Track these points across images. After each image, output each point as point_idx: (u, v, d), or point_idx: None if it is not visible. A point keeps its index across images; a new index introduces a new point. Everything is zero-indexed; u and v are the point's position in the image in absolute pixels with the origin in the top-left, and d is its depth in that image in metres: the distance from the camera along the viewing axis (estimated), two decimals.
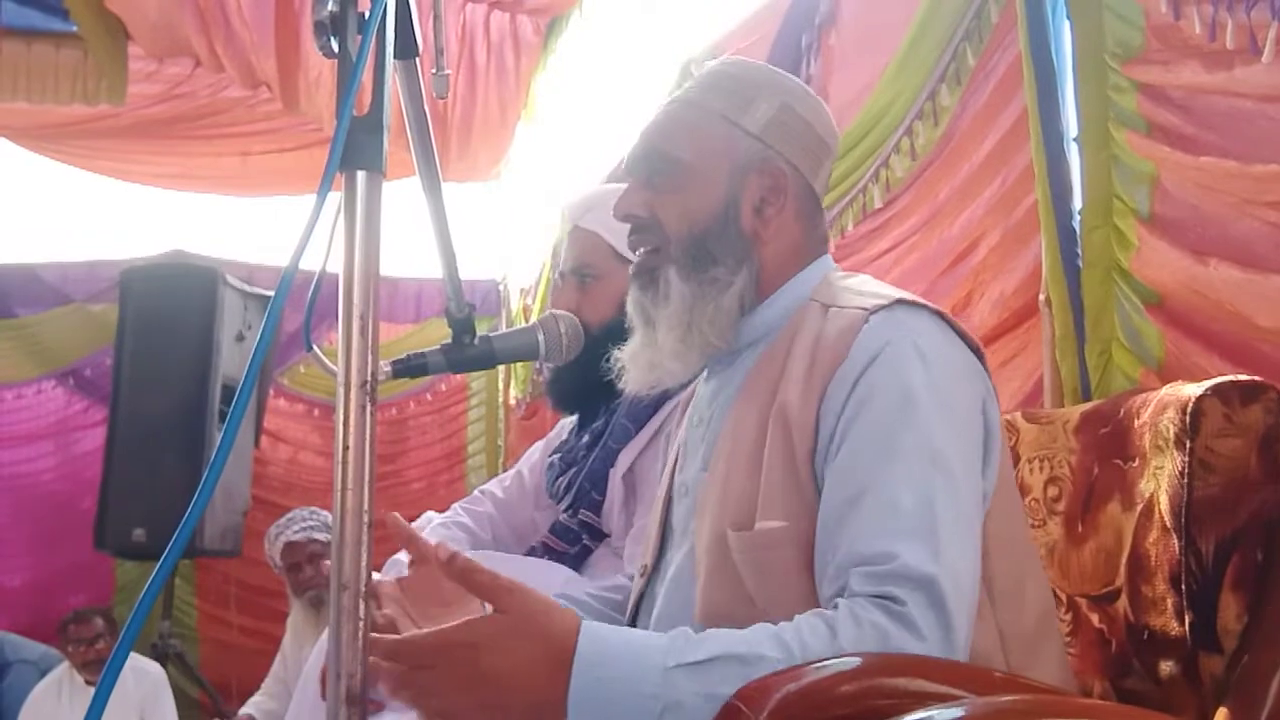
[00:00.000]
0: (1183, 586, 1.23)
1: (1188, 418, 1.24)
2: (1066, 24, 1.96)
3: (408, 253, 5.78)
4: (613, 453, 1.87)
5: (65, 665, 4.42)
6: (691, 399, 1.52)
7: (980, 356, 1.25)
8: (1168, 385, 1.35)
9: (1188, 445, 1.23)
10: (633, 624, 1.37)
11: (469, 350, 1.38)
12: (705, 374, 1.42)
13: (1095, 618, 1.39)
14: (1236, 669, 1.18)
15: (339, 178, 0.96)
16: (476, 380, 6.12)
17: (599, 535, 1.87)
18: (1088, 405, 1.55)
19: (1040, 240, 1.99)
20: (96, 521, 4.65)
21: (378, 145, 0.96)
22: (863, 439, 1.12)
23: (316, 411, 6.10)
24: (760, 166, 1.30)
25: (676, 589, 1.27)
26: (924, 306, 1.23)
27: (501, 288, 6.03)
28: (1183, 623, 1.23)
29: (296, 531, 4.19)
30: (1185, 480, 1.23)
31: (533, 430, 4.86)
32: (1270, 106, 1.59)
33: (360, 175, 0.97)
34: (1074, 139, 1.95)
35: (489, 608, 1.05)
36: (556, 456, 2.02)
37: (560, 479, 1.97)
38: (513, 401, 5.60)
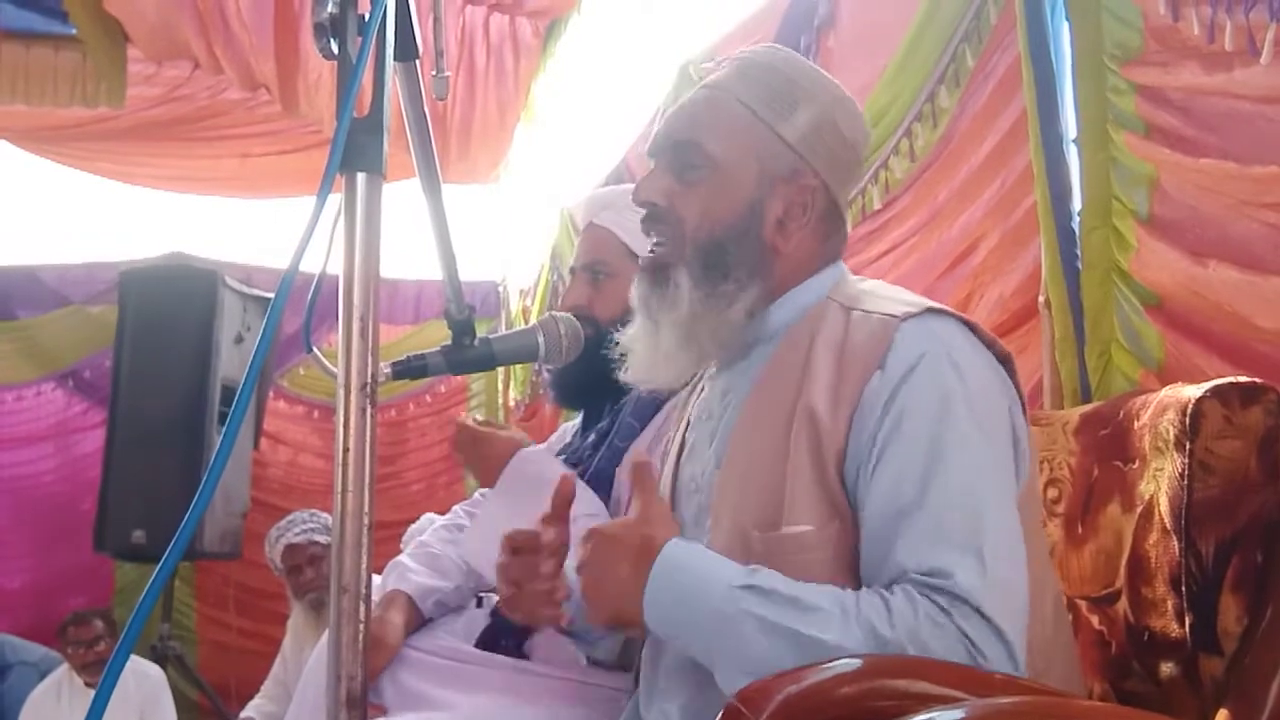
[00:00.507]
0: (1183, 588, 1.23)
1: (1187, 419, 1.24)
2: (1065, 25, 1.96)
3: (407, 254, 5.78)
4: (619, 451, 1.87)
5: (65, 667, 4.42)
6: (690, 395, 1.51)
7: (1007, 363, 1.24)
8: (1167, 387, 1.35)
9: (1187, 447, 1.23)
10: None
11: (469, 352, 1.38)
12: (713, 369, 1.41)
13: (1095, 619, 1.39)
14: (1237, 671, 1.18)
15: (339, 179, 0.96)
16: (476, 382, 6.12)
17: None
18: (1087, 407, 1.56)
19: (1039, 242, 1.99)
20: (96, 523, 4.65)
21: (378, 147, 0.96)
22: (906, 452, 1.12)
23: (316, 413, 6.09)
24: (789, 177, 1.28)
25: None
26: (953, 315, 1.23)
27: (501, 289, 6.03)
28: (1183, 624, 1.23)
29: (297, 534, 4.19)
30: (1185, 482, 1.23)
31: (532, 432, 4.85)
32: (1269, 108, 1.59)
33: (360, 177, 0.97)
34: (1073, 140, 1.95)
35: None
36: (561, 459, 2.02)
37: None
38: (512, 403, 5.60)
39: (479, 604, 1.94)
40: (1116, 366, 1.85)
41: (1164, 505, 1.26)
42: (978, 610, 1.04)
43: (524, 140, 5.17)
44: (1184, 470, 1.23)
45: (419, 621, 1.84)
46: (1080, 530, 1.42)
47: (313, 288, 1.09)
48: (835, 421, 1.17)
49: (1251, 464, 1.22)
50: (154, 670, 4.40)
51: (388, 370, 1.23)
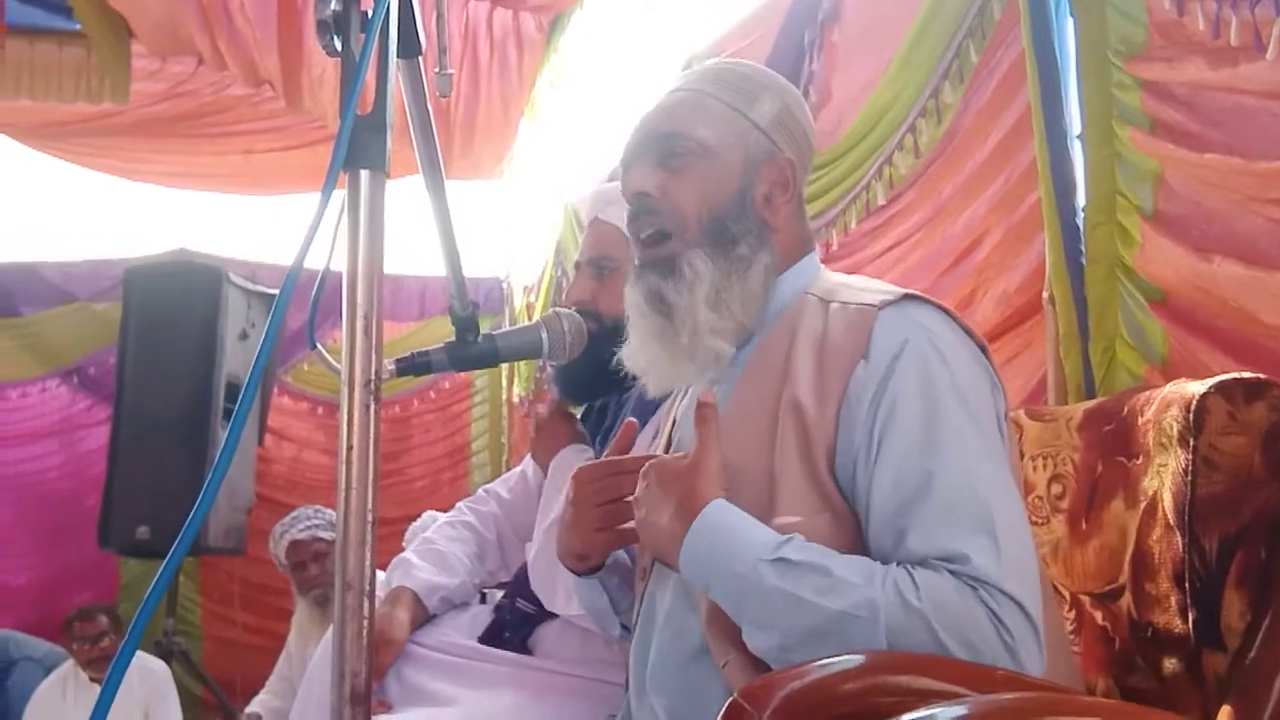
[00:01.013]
0: (1186, 584, 1.23)
1: (1191, 415, 1.24)
2: (1070, 21, 1.95)
3: (412, 250, 5.77)
4: None
5: (70, 663, 4.42)
6: (676, 395, 1.52)
7: (984, 351, 1.26)
8: (1171, 382, 1.35)
9: (1191, 443, 1.23)
10: (635, 625, 1.37)
11: (472, 348, 1.38)
12: None
13: (1099, 615, 1.39)
14: (1240, 667, 1.18)
15: (342, 176, 0.96)
16: (480, 378, 6.11)
17: None
18: (1091, 403, 1.55)
19: (1044, 237, 1.98)
20: (101, 519, 4.66)
21: (381, 145, 0.96)
22: (903, 441, 1.14)
23: (320, 409, 6.09)
24: (769, 159, 1.33)
25: (680, 585, 1.27)
26: (930, 302, 1.24)
27: (505, 285, 6.02)
28: (1186, 620, 1.23)
29: (301, 530, 4.20)
30: (1189, 478, 1.23)
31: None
32: (1274, 103, 1.58)
33: (364, 174, 0.97)
34: (1077, 136, 1.94)
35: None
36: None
37: None
38: (516, 399, 5.60)
39: (483, 600, 1.95)
40: (1120, 362, 1.84)
41: (1168, 501, 1.26)
42: (1000, 589, 1.06)
43: (528, 135, 5.16)
44: (1188, 466, 1.23)
45: (424, 618, 1.85)
46: (1084, 526, 1.42)
47: (317, 284, 1.09)
48: (822, 413, 1.18)
49: (1255, 460, 1.22)
50: (159, 666, 4.41)
51: (391, 367, 1.23)
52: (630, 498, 1.28)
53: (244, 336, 4.94)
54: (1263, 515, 1.21)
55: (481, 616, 1.87)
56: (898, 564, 1.10)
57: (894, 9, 2.53)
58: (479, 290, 5.90)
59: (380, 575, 1.87)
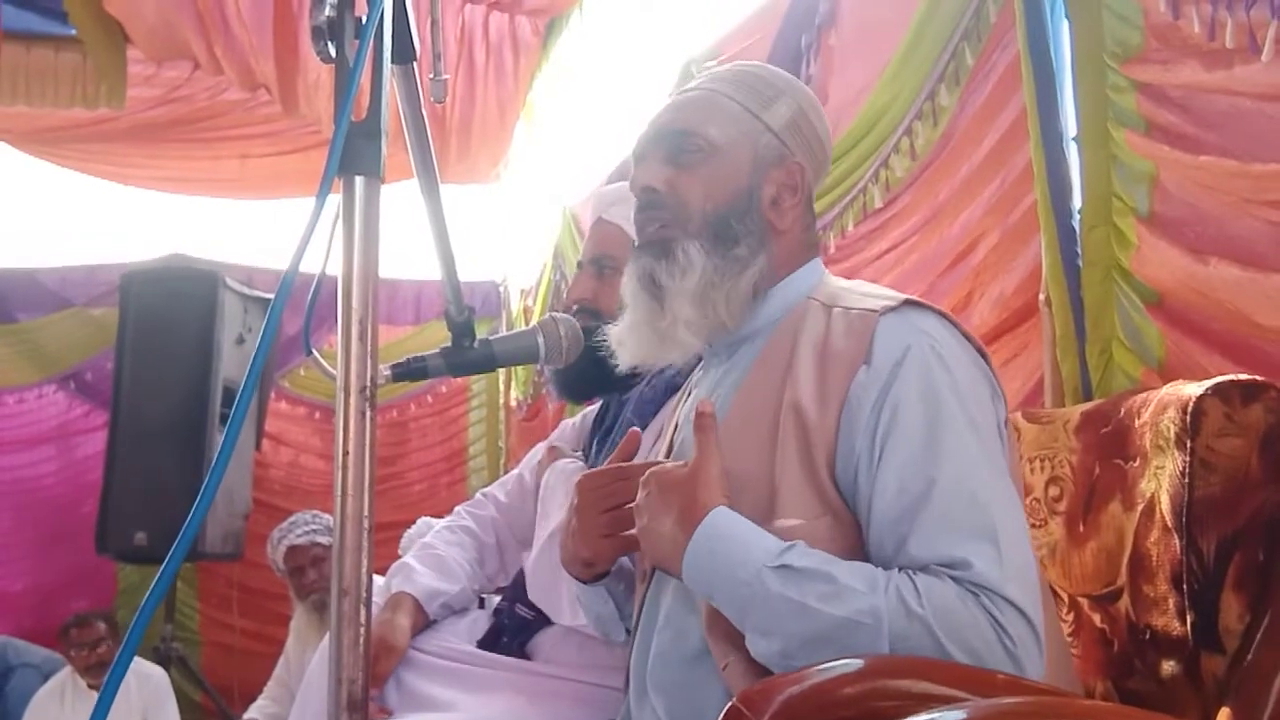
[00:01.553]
0: (1184, 586, 1.23)
1: (1188, 417, 1.24)
2: (1065, 23, 1.95)
3: (407, 254, 5.77)
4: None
5: (68, 669, 4.42)
6: (679, 399, 1.52)
7: (984, 356, 1.26)
8: (1168, 385, 1.35)
9: (1188, 445, 1.23)
10: (636, 627, 1.37)
11: (469, 354, 1.37)
12: (701, 369, 1.43)
13: (1097, 618, 1.39)
14: (1238, 669, 1.18)
15: (337, 182, 0.96)
16: (477, 382, 6.11)
17: None
18: (1088, 405, 1.55)
19: (1040, 240, 1.99)
20: (98, 525, 4.65)
21: (375, 151, 0.96)
22: (905, 447, 1.14)
23: (318, 414, 6.09)
24: (777, 161, 1.33)
25: (681, 587, 1.27)
26: (930, 308, 1.25)
27: (502, 289, 6.02)
28: (1184, 622, 1.23)
29: (299, 535, 4.20)
30: (1186, 480, 1.23)
31: (534, 432, 4.86)
32: (1269, 105, 1.58)
33: (358, 180, 0.97)
34: (1073, 138, 1.95)
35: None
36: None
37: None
38: (514, 403, 5.60)
39: (481, 605, 1.95)
40: (1117, 364, 1.84)
41: (1165, 503, 1.26)
42: (1001, 595, 1.06)
43: (524, 139, 5.16)
44: (1185, 468, 1.23)
45: (424, 624, 1.84)
46: (1082, 528, 1.42)
47: (312, 290, 1.09)
48: (823, 418, 1.18)
49: (1252, 462, 1.22)
50: (157, 672, 4.40)
51: (387, 373, 1.22)
52: (633, 504, 1.27)
53: (240, 341, 4.94)
54: (1260, 517, 1.21)
55: (480, 621, 1.87)
56: (899, 570, 1.10)
57: (890, 12, 2.53)
58: (476, 294, 5.91)
59: (378, 580, 1.86)
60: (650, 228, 1.34)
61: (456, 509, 2.11)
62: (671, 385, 1.76)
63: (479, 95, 4.94)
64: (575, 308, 1.84)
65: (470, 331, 1.37)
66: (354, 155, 0.95)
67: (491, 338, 1.41)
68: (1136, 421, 1.34)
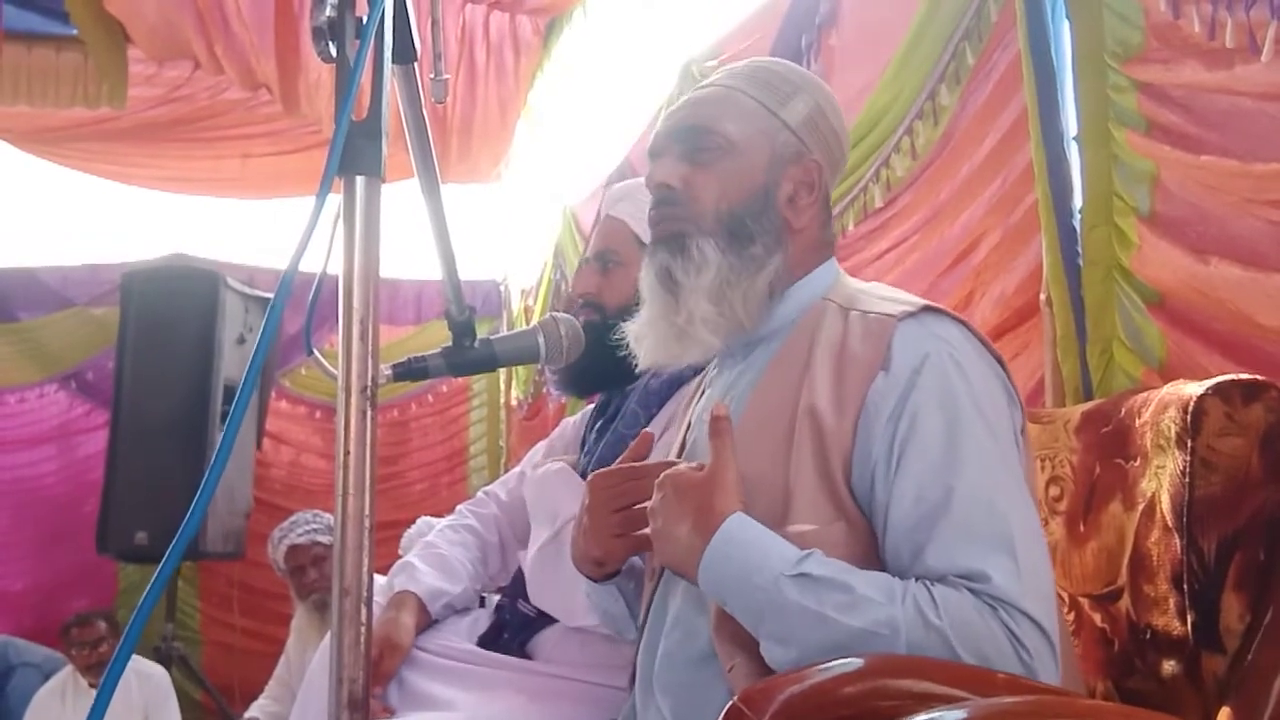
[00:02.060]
0: (1185, 586, 1.23)
1: (1189, 417, 1.24)
2: (1066, 23, 1.95)
3: (408, 254, 5.78)
4: (622, 438, 1.87)
5: (69, 669, 4.42)
6: (692, 397, 1.52)
7: (1001, 364, 1.25)
8: (1169, 384, 1.35)
9: (1189, 444, 1.23)
10: (644, 626, 1.37)
11: (470, 353, 1.37)
12: (715, 369, 1.43)
13: (1097, 617, 1.39)
14: (1239, 668, 1.18)
15: (338, 181, 0.96)
16: (478, 381, 6.11)
17: None
18: (1089, 404, 1.55)
19: (1041, 239, 1.98)
20: (99, 525, 4.65)
21: (376, 151, 0.96)
22: (923, 455, 1.14)
23: (318, 413, 6.09)
24: (795, 159, 1.33)
25: (690, 588, 1.26)
26: (948, 314, 1.24)
27: (502, 289, 6.02)
28: (1185, 622, 1.23)
29: (300, 535, 4.20)
30: (1187, 479, 1.23)
31: (534, 431, 4.86)
32: (1270, 105, 1.58)
33: (359, 180, 0.97)
34: (1074, 138, 1.94)
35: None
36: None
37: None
38: (514, 402, 5.60)
39: (481, 604, 1.95)
40: (1118, 364, 1.84)
41: (1165, 503, 1.26)
42: (1019, 608, 1.06)
43: (525, 139, 5.16)
44: (1185, 468, 1.23)
45: (427, 623, 1.84)
46: (1082, 528, 1.42)
47: (313, 289, 1.09)
48: (840, 423, 1.18)
49: (1253, 461, 1.22)
50: (158, 671, 4.40)
51: (388, 372, 1.23)
52: (646, 505, 1.27)
53: (241, 341, 4.94)
54: (1260, 516, 1.21)
55: (482, 620, 1.87)
56: (916, 580, 1.09)
57: (891, 12, 2.53)
58: (477, 294, 5.91)
59: (379, 580, 1.87)
60: (664, 224, 1.34)
61: (459, 508, 2.11)
62: (677, 378, 1.77)
63: (480, 95, 4.94)
64: (580, 302, 1.85)
65: (471, 331, 1.38)
66: (355, 155, 0.95)
67: (492, 337, 1.41)
68: (1137, 421, 1.34)
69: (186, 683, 4.96)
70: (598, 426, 1.95)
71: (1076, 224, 1.93)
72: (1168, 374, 1.72)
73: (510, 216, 5.65)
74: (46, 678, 4.52)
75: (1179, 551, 1.23)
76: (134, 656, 3.88)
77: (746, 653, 1.15)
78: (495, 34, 4.85)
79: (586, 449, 1.94)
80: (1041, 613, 1.07)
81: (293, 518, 4.31)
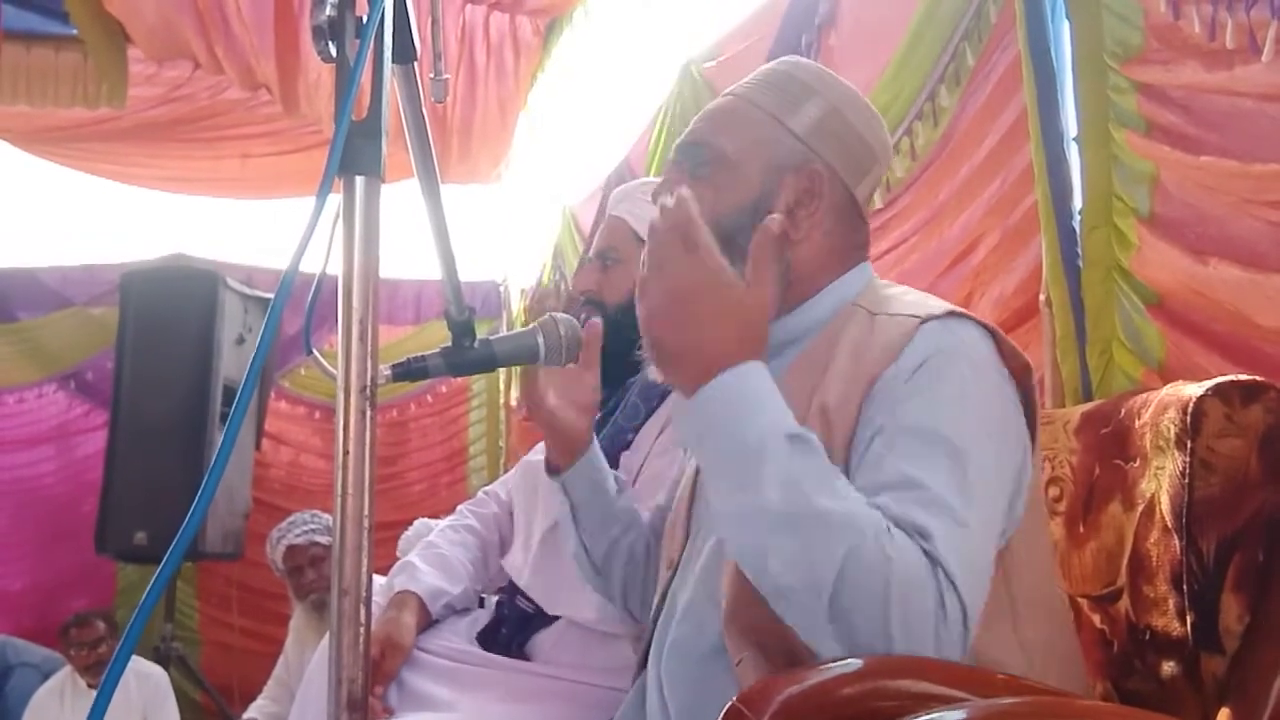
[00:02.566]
0: (1184, 587, 1.23)
1: (1188, 418, 1.24)
2: (1066, 24, 1.96)
3: (408, 254, 5.78)
4: (622, 430, 1.88)
5: (68, 669, 4.42)
6: None
7: (1026, 374, 1.22)
8: (1168, 385, 1.35)
9: (1188, 445, 1.23)
10: (657, 619, 1.36)
11: (469, 354, 1.37)
12: None
13: (1097, 618, 1.39)
14: (1238, 669, 1.18)
15: (338, 181, 0.96)
16: (477, 382, 6.11)
17: None
18: (1088, 405, 1.55)
19: (1040, 240, 1.99)
20: (98, 525, 4.66)
21: (376, 151, 0.96)
22: (904, 432, 1.11)
23: (318, 414, 6.09)
24: (797, 167, 1.30)
25: (705, 580, 1.26)
26: (975, 320, 1.22)
27: (502, 289, 6.03)
28: (1184, 623, 1.23)
29: (298, 535, 4.20)
30: (1186, 480, 1.23)
31: (534, 431, 4.84)
32: (1270, 105, 1.58)
33: (359, 180, 0.97)
34: (1074, 139, 1.95)
35: None
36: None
37: None
38: (514, 403, 5.60)
39: (481, 604, 1.95)
40: (1117, 365, 1.84)
41: (1165, 504, 1.26)
42: (949, 577, 1.02)
43: (525, 139, 5.17)
44: (1185, 469, 1.23)
45: (427, 623, 1.84)
46: (1082, 529, 1.42)
47: (313, 289, 1.09)
48: (845, 411, 1.16)
49: (1252, 462, 1.22)
50: (156, 671, 4.40)
51: (387, 373, 1.22)
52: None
53: (240, 341, 4.94)
54: (1260, 517, 1.21)
55: (481, 620, 1.87)
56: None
57: (890, 12, 2.53)
58: (476, 294, 5.91)
59: (379, 580, 1.87)
60: None
61: (459, 508, 2.11)
62: None
63: (480, 95, 4.94)
64: (581, 299, 1.87)
65: (470, 331, 1.37)
66: (354, 155, 0.95)
67: (492, 337, 1.41)
68: (1136, 422, 1.34)
69: (185, 683, 4.97)
70: (597, 420, 1.95)
71: (1076, 225, 1.93)
72: (1167, 375, 1.72)
73: (510, 217, 5.65)
74: (45, 678, 4.52)
75: (1178, 552, 1.23)
76: (133, 656, 3.89)
77: (756, 648, 1.15)
78: (495, 34, 4.85)
79: None
80: (968, 591, 1.02)
81: (291, 518, 4.31)
